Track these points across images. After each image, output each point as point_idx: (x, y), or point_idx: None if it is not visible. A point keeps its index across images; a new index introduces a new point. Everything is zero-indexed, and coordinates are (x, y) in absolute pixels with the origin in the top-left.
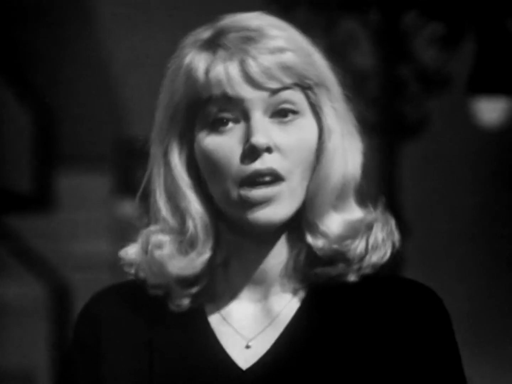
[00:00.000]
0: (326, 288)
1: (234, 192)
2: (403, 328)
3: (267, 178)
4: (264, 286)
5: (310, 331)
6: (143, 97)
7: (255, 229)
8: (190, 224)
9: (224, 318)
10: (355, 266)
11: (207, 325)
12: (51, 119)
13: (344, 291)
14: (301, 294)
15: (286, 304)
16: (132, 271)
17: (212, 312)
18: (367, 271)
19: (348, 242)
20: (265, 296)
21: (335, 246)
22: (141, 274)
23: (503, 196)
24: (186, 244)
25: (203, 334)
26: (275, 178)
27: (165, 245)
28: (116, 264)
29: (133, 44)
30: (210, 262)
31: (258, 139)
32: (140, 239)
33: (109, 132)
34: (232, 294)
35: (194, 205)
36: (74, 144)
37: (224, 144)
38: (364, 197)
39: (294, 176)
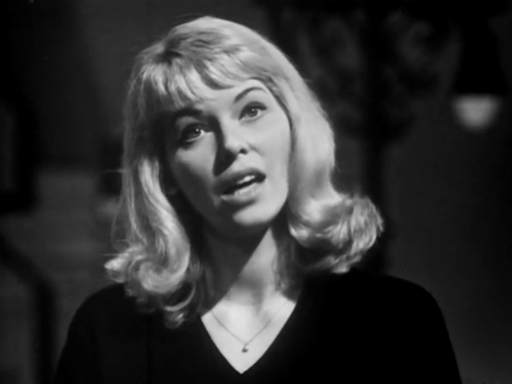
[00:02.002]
0: (320, 287)
1: (217, 200)
2: (399, 327)
3: (248, 178)
4: (258, 287)
5: (306, 332)
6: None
7: (242, 232)
8: (161, 242)
9: (219, 322)
10: (344, 256)
11: (203, 330)
12: (34, 118)
13: (338, 290)
14: (296, 294)
15: (281, 305)
16: (120, 281)
17: (208, 317)
18: (357, 259)
19: (330, 228)
20: (259, 298)
21: (318, 235)
22: (130, 292)
23: (489, 196)
24: (158, 262)
25: (199, 339)
26: (256, 176)
27: (141, 265)
28: (99, 264)
29: (117, 45)
30: (196, 273)
31: (232, 143)
32: (122, 261)
33: (93, 132)
34: (226, 298)
35: (165, 222)
36: (57, 144)
37: (198, 154)
38: (342, 184)
39: (275, 171)
